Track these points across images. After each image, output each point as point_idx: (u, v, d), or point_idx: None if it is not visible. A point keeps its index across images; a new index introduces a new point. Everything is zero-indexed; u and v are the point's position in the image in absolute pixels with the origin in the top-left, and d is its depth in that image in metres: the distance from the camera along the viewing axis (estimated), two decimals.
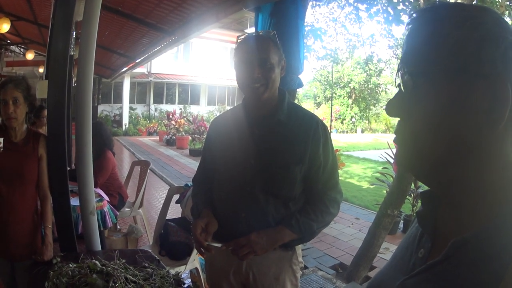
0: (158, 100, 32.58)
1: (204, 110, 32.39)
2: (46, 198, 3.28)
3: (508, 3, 7.96)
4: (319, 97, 43.95)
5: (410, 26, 0.89)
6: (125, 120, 29.30)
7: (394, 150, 8.00)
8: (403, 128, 0.88)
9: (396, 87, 0.92)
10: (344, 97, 41.10)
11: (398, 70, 0.89)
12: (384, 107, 0.94)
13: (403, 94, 0.87)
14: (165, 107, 31.08)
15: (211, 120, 2.90)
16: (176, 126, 23.12)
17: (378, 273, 1.12)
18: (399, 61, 0.91)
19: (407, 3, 8.65)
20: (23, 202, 3.15)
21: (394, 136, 0.91)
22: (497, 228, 0.76)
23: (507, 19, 8.11)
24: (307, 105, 42.52)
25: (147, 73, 29.52)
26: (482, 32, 0.80)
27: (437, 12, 0.86)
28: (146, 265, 2.60)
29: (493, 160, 0.82)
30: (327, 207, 2.31)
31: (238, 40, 2.31)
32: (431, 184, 0.93)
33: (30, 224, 3.22)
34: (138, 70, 24.27)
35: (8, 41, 15.99)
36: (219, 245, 2.18)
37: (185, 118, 23.87)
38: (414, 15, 0.91)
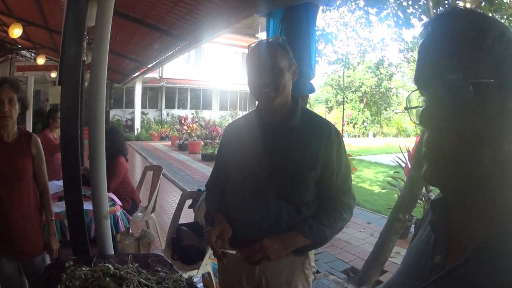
0: (170, 105, 32.69)
1: (216, 115, 32.41)
2: (46, 192, 3.42)
3: None
4: (330, 102, 43.80)
5: (449, 27, 0.87)
6: (137, 125, 29.41)
7: (406, 154, 7.98)
8: (443, 141, 0.86)
9: (430, 96, 0.90)
10: (356, 101, 40.97)
11: (444, 77, 0.85)
12: (419, 115, 0.89)
13: (447, 105, 0.85)
14: (177, 112, 31.18)
15: (224, 126, 2.91)
16: (188, 131, 23.15)
17: (388, 282, 1.12)
18: (441, 66, 0.86)
19: (416, 7, 8.65)
20: (22, 200, 3.23)
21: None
22: None
23: None
24: (319, 109, 42.44)
25: (158, 78, 29.64)
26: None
27: (478, 20, 0.85)
28: (159, 269, 2.61)
29: None
30: (340, 213, 2.31)
31: (249, 49, 2.33)
32: (452, 193, 0.93)
33: (32, 221, 3.30)
34: (150, 75, 24.42)
35: (19, 46, 16.09)
36: (234, 252, 2.19)
37: (197, 123, 23.90)
38: (452, 13, 0.89)
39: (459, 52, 0.83)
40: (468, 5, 5.42)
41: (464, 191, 0.88)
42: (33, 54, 18.19)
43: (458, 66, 0.83)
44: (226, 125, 2.82)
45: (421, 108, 0.92)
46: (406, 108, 0.99)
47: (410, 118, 0.98)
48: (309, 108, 2.54)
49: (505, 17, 7.47)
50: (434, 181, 0.90)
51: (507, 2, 7.79)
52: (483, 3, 6.75)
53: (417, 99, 0.98)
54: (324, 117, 2.51)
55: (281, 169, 2.25)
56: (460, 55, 0.83)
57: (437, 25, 0.89)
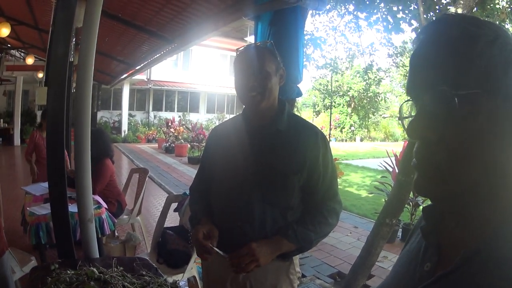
0: (157, 107, 32.60)
1: (203, 118, 32.45)
2: None
3: (509, 9, 8.01)
4: (318, 106, 43.95)
5: (439, 36, 0.85)
6: (124, 126, 29.30)
7: (393, 159, 8.00)
8: (431, 153, 0.84)
9: (417, 106, 0.88)
10: (344, 105, 41.15)
11: (432, 88, 0.83)
12: (407, 126, 0.88)
13: (435, 115, 0.83)
14: (164, 115, 31.13)
15: (211, 128, 2.91)
16: (175, 133, 23.12)
17: None
18: (429, 75, 0.85)
19: (407, 12, 8.70)
20: None
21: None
22: (507, 234, 0.77)
23: (508, 26, 8.16)
24: (306, 113, 42.59)
25: (146, 80, 29.56)
26: (506, 53, 0.80)
27: (468, 27, 0.82)
28: (144, 273, 2.59)
29: (507, 174, 0.82)
30: (326, 218, 2.30)
31: (237, 52, 2.32)
32: (442, 202, 0.91)
33: None
34: (138, 77, 24.30)
35: (9, 45, 16.02)
36: (221, 252, 2.17)
37: (184, 126, 23.88)
38: (443, 21, 0.87)
39: (446, 63, 0.82)
40: (459, 11, 5.43)
41: (455, 200, 0.86)
42: (22, 54, 18.11)
43: (445, 77, 0.81)
44: (213, 127, 2.81)
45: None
46: (399, 118, 0.97)
47: (404, 128, 0.96)
48: (296, 113, 2.54)
49: (497, 22, 7.51)
50: (424, 192, 0.89)
51: (499, 8, 7.85)
52: (475, 8, 6.79)
53: (410, 109, 0.97)
54: (311, 121, 2.51)
55: (266, 172, 2.24)
56: (446, 66, 0.81)
57: (428, 34, 0.87)
